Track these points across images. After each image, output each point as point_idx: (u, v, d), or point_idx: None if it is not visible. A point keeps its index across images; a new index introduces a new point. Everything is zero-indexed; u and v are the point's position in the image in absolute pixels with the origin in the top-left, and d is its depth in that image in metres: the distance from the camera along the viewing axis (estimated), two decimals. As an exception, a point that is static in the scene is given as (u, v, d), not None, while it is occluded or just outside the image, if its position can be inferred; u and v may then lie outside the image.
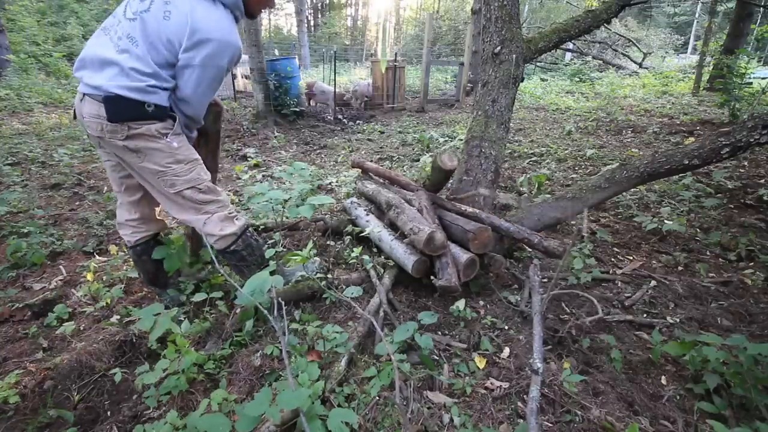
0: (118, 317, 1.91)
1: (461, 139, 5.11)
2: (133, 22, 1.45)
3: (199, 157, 1.69)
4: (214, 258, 1.70)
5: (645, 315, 2.00)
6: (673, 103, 8.34)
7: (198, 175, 1.65)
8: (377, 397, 1.42)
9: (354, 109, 8.66)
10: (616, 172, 2.41)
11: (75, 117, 1.59)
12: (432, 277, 1.93)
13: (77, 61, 1.52)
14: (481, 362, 1.63)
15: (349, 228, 2.42)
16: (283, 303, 1.43)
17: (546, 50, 2.86)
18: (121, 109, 1.45)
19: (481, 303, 2.03)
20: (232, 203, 3.43)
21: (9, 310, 1.94)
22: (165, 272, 1.92)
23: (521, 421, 1.36)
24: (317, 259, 2.19)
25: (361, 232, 2.32)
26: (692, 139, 5.22)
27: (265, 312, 1.41)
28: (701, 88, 9.69)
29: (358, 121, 7.60)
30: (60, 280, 2.25)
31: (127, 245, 1.89)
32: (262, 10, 1.76)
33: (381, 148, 5.69)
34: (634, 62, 12.42)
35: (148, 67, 1.44)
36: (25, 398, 1.42)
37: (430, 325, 1.81)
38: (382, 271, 2.15)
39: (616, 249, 2.70)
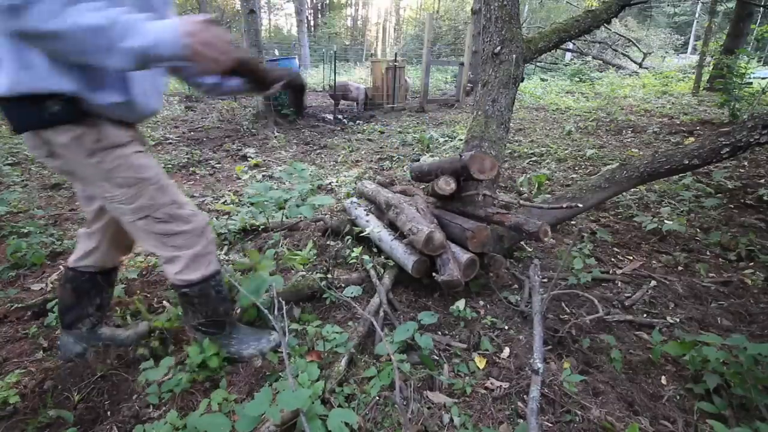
0: (118, 317, 1.91)
1: (461, 139, 5.12)
2: None
3: (158, 173, 1.29)
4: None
5: (645, 315, 2.00)
6: (673, 103, 8.34)
7: (152, 200, 1.26)
8: (377, 397, 1.42)
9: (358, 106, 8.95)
10: (616, 172, 2.41)
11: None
12: (434, 274, 1.93)
13: None
14: (481, 362, 1.63)
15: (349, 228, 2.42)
16: (283, 303, 1.43)
17: (546, 50, 2.87)
18: (15, 115, 1.09)
19: (481, 303, 2.03)
20: (232, 203, 3.44)
21: (7, 310, 1.94)
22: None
23: (521, 421, 1.36)
24: (274, 334, 1.68)
25: (361, 232, 2.32)
26: (692, 139, 5.22)
27: (266, 312, 1.41)
28: (701, 88, 9.69)
29: (358, 121, 7.60)
30: (59, 280, 2.25)
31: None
32: None
33: (381, 148, 5.69)
34: (634, 62, 12.44)
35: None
36: (25, 398, 1.42)
37: (430, 325, 1.81)
38: (382, 271, 2.15)
39: (616, 249, 2.70)
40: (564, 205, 1.96)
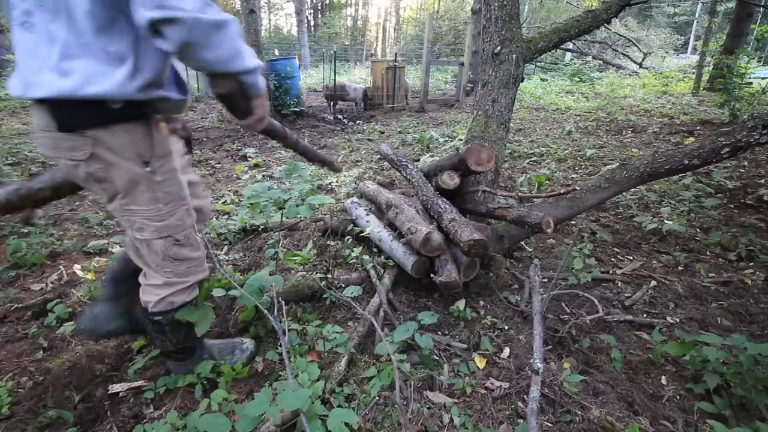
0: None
1: (461, 139, 5.11)
2: None
3: (188, 191, 1.23)
4: (216, 260, 1.70)
5: (645, 315, 2.00)
6: (673, 103, 8.34)
7: (181, 220, 1.20)
8: (377, 397, 1.42)
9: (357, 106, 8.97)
10: (616, 172, 2.41)
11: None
12: (432, 275, 1.93)
13: None
14: (481, 362, 1.63)
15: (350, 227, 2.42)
16: (283, 303, 1.43)
17: (546, 50, 2.87)
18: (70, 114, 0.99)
19: (481, 303, 2.03)
20: (232, 203, 3.44)
21: (7, 310, 1.94)
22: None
23: (521, 421, 1.36)
24: (246, 341, 1.65)
25: (362, 232, 2.32)
26: (692, 139, 5.22)
27: (266, 312, 1.41)
28: (701, 88, 9.70)
29: (358, 121, 7.60)
30: (59, 280, 2.25)
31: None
32: None
33: (381, 148, 5.69)
34: (634, 62, 12.44)
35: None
36: (25, 398, 1.42)
37: (430, 325, 1.81)
38: (382, 271, 2.15)
39: (616, 249, 2.70)
40: (563, 191, 1.97)
